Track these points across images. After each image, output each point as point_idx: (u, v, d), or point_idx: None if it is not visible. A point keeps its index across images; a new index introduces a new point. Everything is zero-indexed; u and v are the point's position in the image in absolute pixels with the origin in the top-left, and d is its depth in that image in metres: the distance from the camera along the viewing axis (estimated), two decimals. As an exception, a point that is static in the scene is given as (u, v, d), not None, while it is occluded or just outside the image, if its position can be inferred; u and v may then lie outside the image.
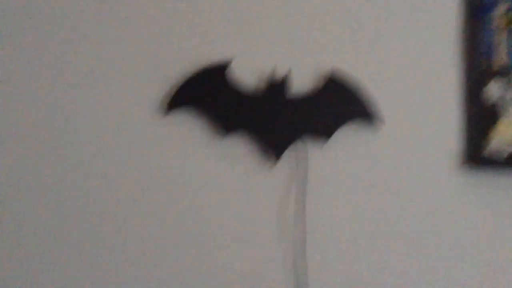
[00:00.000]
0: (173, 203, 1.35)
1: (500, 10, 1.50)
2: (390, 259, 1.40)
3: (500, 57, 1.48)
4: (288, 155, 1.37)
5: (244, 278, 1.36)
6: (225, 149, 1.36)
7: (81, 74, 1.35)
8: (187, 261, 1.35)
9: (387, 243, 1.41)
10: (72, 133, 1.34)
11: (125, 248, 1.34)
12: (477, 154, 1.43)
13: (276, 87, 1.35)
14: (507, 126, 1.46)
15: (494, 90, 1.47)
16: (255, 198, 1.37)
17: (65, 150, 1.34)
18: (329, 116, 1.37)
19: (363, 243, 1.40)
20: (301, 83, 1.38)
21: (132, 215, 1.34)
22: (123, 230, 1.34)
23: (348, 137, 1.39)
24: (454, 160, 1.43)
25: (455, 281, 1.42)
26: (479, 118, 1.45)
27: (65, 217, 1.33)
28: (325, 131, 1.36)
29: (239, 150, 1.36)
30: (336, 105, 1.37)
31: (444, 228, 1.43)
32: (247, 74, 1.36)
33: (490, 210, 1.44)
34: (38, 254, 1.33)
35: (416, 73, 1.44)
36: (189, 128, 1.35)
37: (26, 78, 1.34)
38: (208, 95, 1.34)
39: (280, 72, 1.36)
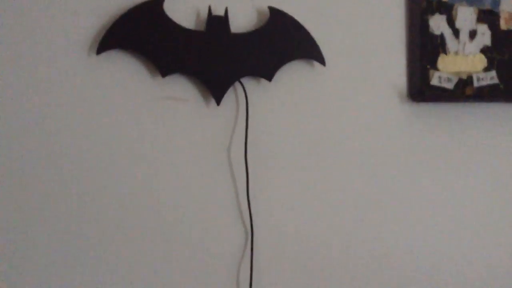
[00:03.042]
0: (109, 147, 1.33)
1: None
2: (337, 194, 1.42)
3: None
4: (229, 96, 1.35)
5: (188, 215, 1.36)
6: (164, 90, 1.34)
7: (9, 13, 1.29)
8: (131, 200, 1.34)
9: (331, 178, 1.42)
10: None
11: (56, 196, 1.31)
12: (421, 88, 1.44)
13: (217, 22, 1.31)
14: (446, 62, 1.47)
15: (436, 25, 1.48)
16: (196, 140, 1.36)
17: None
18: (271, 55, 1.35)
19: (307, 178, 1.41)
20: (240, 22, 1.36)
21: (62, 161, 1.31)
22: (54, 174, 1.31)
23: (291, 75, 1.39)
24: (399, 94, 1.44)
25: (405, 211, 1.46)
26: (423, 53, 1.46)
27: None
28: (266, 70, 1.35)
29: (178, 92, 1.34)
30: (277, 44, 1.35)
31: (391, 160, 1.45)
32: (181, 14, 1.33)
33: (435, 141, 1.46)
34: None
35: (358, 9, 1.43)
36: (124, 68, 1.32)
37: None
38: (145, 32, 1.29)
39: (216, 12, 1.33)
